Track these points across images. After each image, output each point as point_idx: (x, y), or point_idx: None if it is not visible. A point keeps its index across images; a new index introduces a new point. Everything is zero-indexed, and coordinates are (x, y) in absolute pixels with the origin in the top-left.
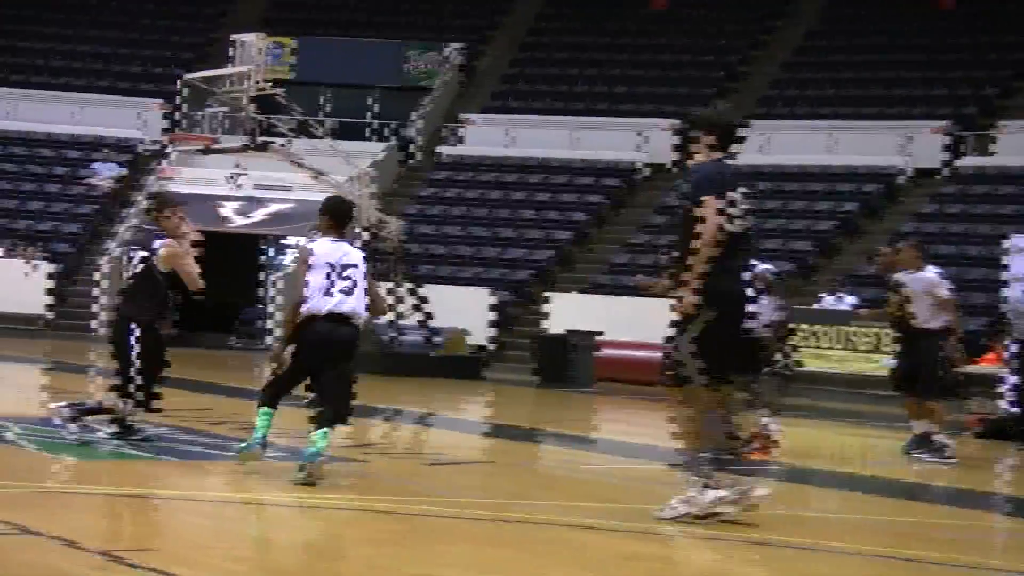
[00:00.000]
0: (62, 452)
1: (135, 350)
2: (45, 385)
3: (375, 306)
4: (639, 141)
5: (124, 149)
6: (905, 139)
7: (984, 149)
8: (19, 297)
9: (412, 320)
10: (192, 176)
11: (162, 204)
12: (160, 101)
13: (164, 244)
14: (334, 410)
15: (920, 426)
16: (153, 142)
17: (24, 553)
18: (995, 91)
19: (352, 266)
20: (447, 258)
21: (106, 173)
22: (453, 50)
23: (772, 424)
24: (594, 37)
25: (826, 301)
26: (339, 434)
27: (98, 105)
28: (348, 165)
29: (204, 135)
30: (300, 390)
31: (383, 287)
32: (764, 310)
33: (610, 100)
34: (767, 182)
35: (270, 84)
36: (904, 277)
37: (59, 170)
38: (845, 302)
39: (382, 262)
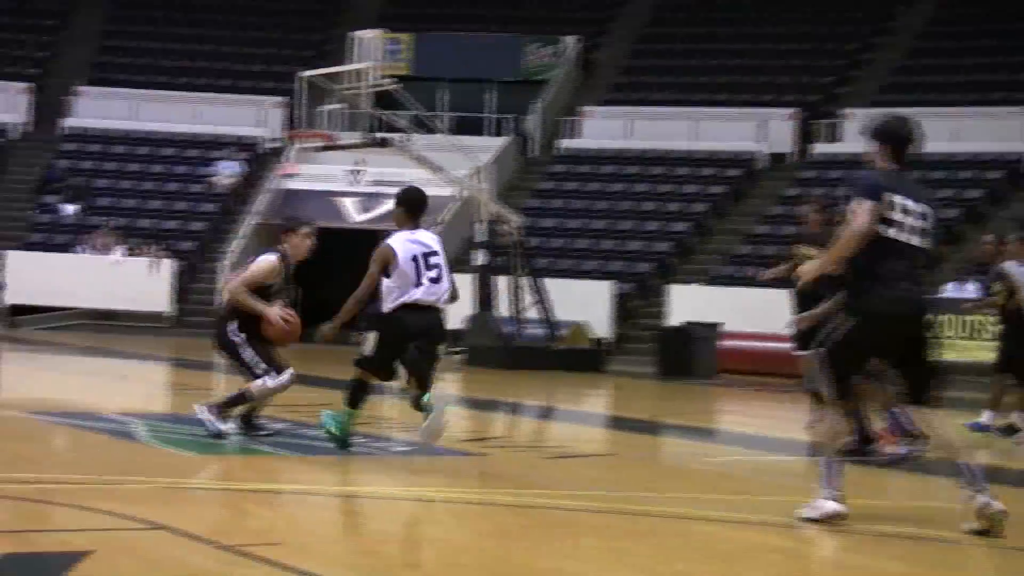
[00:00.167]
0: (187, 448)
1: (238, 339)
2: (170, 382)
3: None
4: (759, 131)
5: (245, 147)
6: None
7: None
8: (144, 295)
9: (533, 313)
10: (312, 173)
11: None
12: (279, 99)
13: (238, 278)
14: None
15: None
16: (273, 140)
17: (152, 548)
18: None
19: (435, 253)
20: (567, 251)
21: (227, 171)
22: (571, 43)
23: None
24: (712, 27)
25: (951, 289)
26: (461, 428)
27: (218, 104)
28: (467, 160)
29: (324, 132)
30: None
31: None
32: None
33: (729, 90)
34: None
35: (388, 80)
36: (1010, 267)
37: (181, 169)
38: (970, 290)
39: (502, 256)
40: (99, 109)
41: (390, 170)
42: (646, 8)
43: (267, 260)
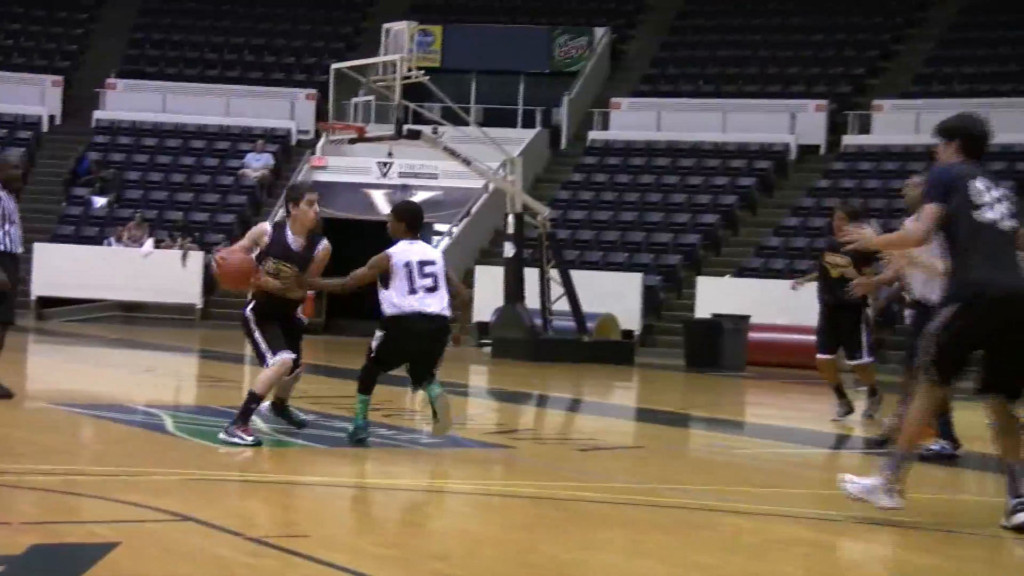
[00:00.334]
0: (214, 440)
1: (250, 317)
2: (198, 375)
3: (456, 299)
4: (789, 123)
5: (275, 139)
6: None
7: None
8: (174, 287)
9: (561, 306)
10: (342, 165)
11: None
12: (310, 91)
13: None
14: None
15: None
16: (304, 132)
17: (178, 539)
18: None
19: (431, 263)
20: (596, 243)
21: (257, 164)
22: (600, 34)
23: None
24: (743, 18)
25: None
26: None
27: (249, 96)
28: (496, 152)
29: (355, 124)
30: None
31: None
32: None
33: (759, 82)
34: (919, 161)
35: (419, 72)
36: None
37: (211, 161)
38: None
39: (531, 248)
40: (129, 102)
41: (420, 162)
42: (677, 0)
43: (258, 225)
